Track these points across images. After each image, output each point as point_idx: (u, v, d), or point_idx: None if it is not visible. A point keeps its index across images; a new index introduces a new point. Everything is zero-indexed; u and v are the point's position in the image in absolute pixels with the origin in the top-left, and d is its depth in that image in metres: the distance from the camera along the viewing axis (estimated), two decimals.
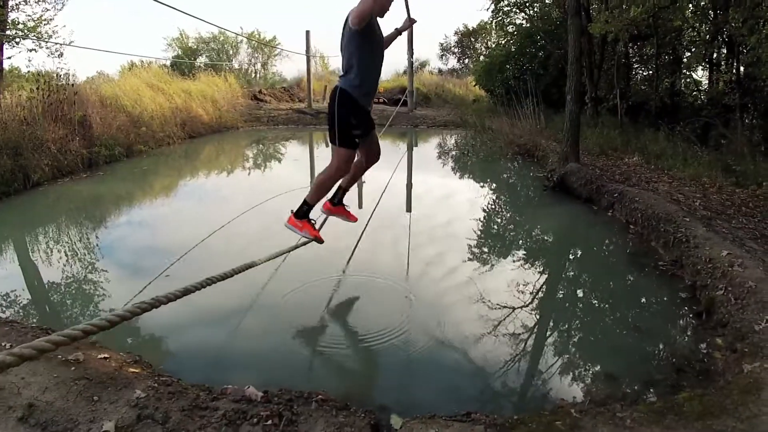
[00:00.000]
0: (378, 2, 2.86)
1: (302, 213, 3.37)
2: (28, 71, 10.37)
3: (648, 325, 3.31)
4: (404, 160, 10.25)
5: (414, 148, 12.66)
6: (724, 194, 5.79)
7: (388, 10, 3.13)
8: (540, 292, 3.90)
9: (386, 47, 3.49)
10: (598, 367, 2.86)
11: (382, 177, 7.46)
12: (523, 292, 3.83)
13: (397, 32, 3.50)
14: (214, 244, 4.87)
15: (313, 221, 3.43)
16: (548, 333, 3.31)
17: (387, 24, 3.42)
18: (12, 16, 8.60)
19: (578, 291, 4.14)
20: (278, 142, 13.06)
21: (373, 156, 3.45)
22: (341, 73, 3.12)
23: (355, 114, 3.09)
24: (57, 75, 8.92)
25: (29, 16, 8.59)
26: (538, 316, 3.49)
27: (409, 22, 3.56)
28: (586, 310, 3.70)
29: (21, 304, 3.80)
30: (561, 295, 4.00)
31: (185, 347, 3.16)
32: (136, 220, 6.06)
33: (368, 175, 4.73)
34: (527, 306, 3.62)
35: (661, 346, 3.07)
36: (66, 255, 4.81)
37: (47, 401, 2.35)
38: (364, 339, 3.31)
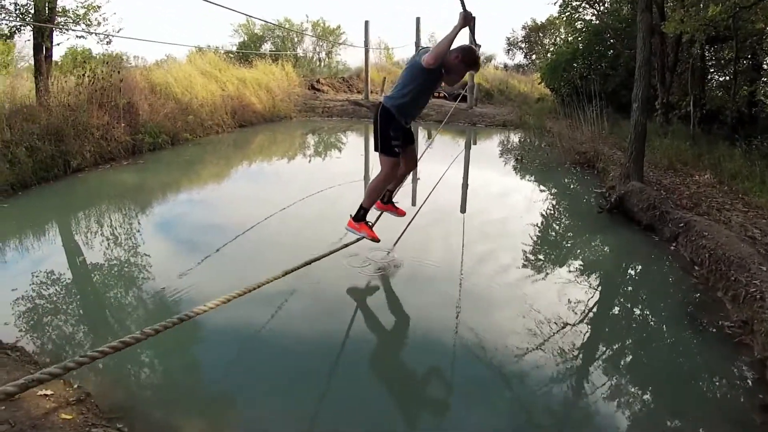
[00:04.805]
0: (442, 55, 3.16)
1: (359, 216, 3.73)
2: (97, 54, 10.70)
3: (692, 412, 2.63)
4: (460, 158, 9.70)
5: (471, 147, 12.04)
6: None
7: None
8: (567, 338, 3.25)
9: None
10: None
11: (437, 171, 7.29)
12: (549, 331, 3.32)
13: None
14: (256, 236, 4.94)
15: (369, 223, 3.80)
16: (561, 395, 2.71)
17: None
18: (61, 2, 8.73)
19: (613, 346, 3.40)
20: (333, 134, 12.70)
21: (411, 164, 3.87)
22: (391, 92, 3.45)
23: (395, 129, 3.45)
24: (112, 59, 9.03)
25: (80, 3, 8.68)
26: (555, 367, 2.94)
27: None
28: (617, 376, 2.97)
29: (63, 284, 3.96)
30: (590, 348, 3.28)
31: (146, 378, 2.89)
32: (175, 209, 6.14)
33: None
34: (545, 347, 3.15)
35: None
36: (104, 240, 4.96)
37: None
38: (350, 366, 2.89)
